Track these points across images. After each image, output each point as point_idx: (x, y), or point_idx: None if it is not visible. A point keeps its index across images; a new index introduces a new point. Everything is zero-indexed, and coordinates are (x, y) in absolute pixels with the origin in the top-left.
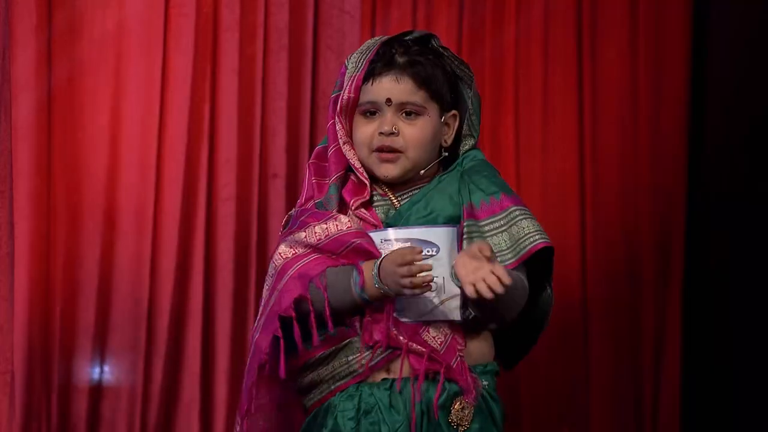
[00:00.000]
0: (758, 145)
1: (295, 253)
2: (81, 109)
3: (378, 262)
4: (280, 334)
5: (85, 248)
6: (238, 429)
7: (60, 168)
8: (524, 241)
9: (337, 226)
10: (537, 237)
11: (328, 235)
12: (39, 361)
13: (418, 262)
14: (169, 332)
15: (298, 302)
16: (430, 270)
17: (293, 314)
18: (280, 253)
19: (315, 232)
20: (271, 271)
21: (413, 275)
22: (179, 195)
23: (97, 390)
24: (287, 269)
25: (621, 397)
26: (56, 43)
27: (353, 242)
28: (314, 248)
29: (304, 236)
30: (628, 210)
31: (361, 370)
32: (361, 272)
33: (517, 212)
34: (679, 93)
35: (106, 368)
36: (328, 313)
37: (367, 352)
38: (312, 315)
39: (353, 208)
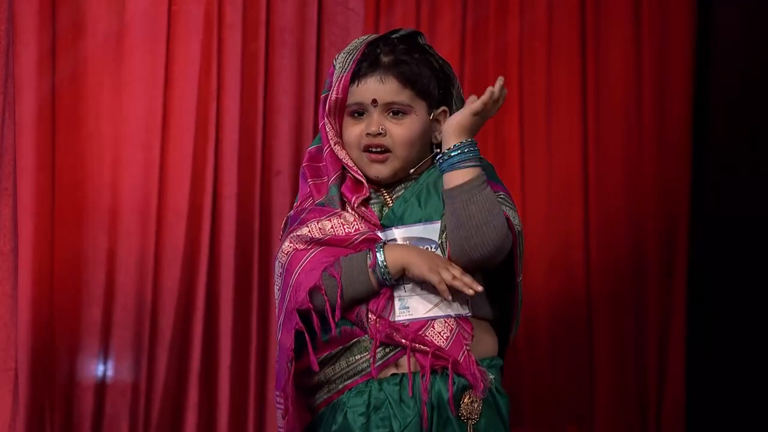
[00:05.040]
0: (762, 139)
1: (299, 248)
2: (85, 107)
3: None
4: (301, 327)
5: (88, 245)
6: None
7: (64, 165)
8: None
9: (343, 225)
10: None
11: (334, 233)
12: (43, 358)
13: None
14: (172, 329)
15: (313, 293)
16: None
17: (310, 306)
18: (284, 252)
19: (318, 228)
20: (278, 270)
21: (461, 278)
22: (182, 192)
23: (100, 387)
24: (295, 264)
25: (625, 392)
26: (60, 41)
27: (362, 235)
28: (319, 242)
29: (307, 231)
30: (632, 205)
31: (369, 369)
32: (376, 251)
33: (501, 196)
34: (683, 88)
35: (110, 365)
36: (339, 301)
37: (375, 351)
38: (327, 304)
39: (356, 205)
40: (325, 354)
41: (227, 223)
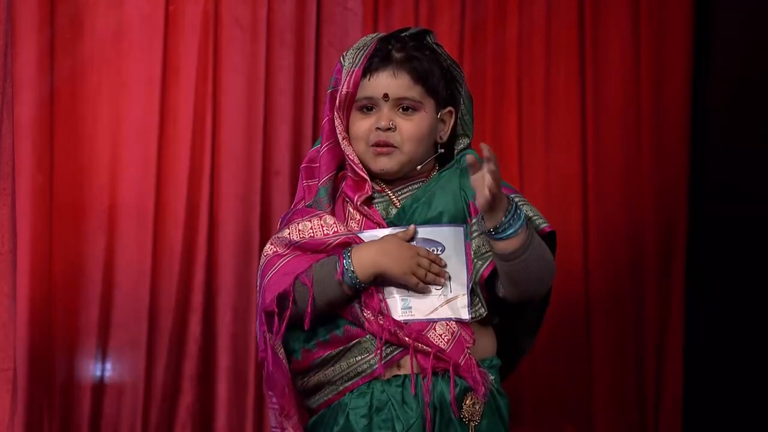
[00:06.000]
0: (761, 139)
1: (277, 251)
2: (83, 107)
3: (371, 243)
4: (266, 329)
5: (87, 246)
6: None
7: (62, 165)
8: (533, 222)
9: (322, 227)
10: (540, 222)
11: (313, 235)
12: (41, 358)
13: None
14: (170, 330)
15: (282, 299)
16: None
17: (275, 309)
18: (264, 254)
19: (298, 229)
20: (258, 271)
21: (430, 270)
22: (181, 192)
23: (99, 387)
24: (270, 267)
25: (624, 394)
26: (58, 41)
27: (337, 238)
28: (297, 246)
29: (287, 233)
30: (630, 205)
31: (370, 371)
32: (342, 258)
33: (517, 200)
34: (682, 88)
35: (108, 365)
36: (309, 309)
37: (376, 353)
38: (288, 312)
39: (358, 203)
40: (326, 354)
41: (226, 223)
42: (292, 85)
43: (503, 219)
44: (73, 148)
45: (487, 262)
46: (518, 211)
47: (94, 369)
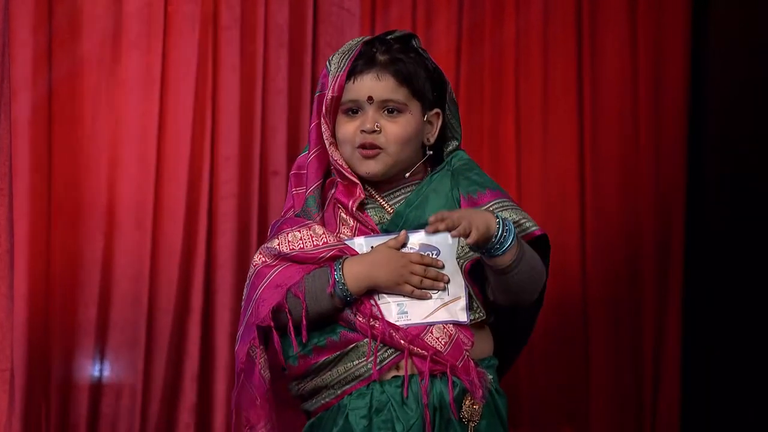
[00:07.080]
0: (760, 141)
1: (266, 261)
2: (81, 107)
3: (363, 255)
4: (256, 343)
5: (85, 246)
6: None
7: (60, 165)
8: (522, 226)
9: (312, 237)
10: (530, 225)
11: (302, 247)
12: (39, 358)
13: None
14: (169, 330)
15: (276, 311)
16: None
17: (272, 323)
18: (253, 264)
19: (288, 240)
20: (247, 280)
21: (426, 275)
22: (179, 192)
23: (97, 387)
24: (260, 280)
25: (621, 396)
26: (56, 41)
27: (330, 250)
28: (287, 258)
29: (277, 243)
30: (628, 208)
31: (368, 374)
32: (334, 271)
33: (505, 203)
34: (680, 90)
35: (106, 366)
36: (304, 322)
37: (372, 356)
38: (291, 323)
39: (353, 210)
40: (323, 359)
41: (224, 223)
42: (289, 85)
43: (494, 240)
44: (71, 148)
45: (469, 260)
46: (506, 224)
47: (92, 369)
